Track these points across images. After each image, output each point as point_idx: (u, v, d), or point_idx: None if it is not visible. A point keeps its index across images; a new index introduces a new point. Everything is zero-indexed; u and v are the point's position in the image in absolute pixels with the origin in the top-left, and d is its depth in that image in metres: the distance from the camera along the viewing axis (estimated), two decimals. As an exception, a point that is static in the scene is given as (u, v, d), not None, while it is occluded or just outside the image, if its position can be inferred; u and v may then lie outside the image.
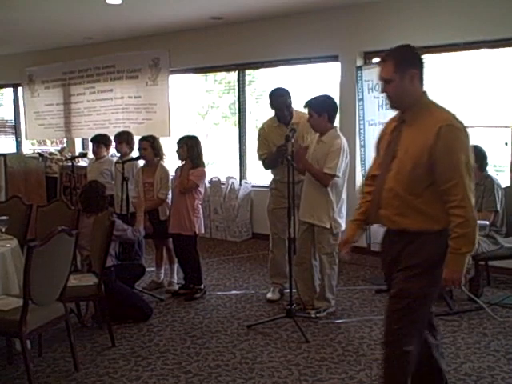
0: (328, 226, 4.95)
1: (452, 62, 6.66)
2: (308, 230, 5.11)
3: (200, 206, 5.75)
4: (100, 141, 6.82)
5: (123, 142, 6.33)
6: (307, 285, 5.21)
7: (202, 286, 5.79)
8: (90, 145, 6.99)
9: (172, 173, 5.97)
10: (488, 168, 5.51)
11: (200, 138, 5.76)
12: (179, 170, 5.75)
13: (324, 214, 4.95)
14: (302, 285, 5.25)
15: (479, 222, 4.95)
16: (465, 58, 6.55)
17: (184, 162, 5.70)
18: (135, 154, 6.20)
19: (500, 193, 5.33)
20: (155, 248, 6.12)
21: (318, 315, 5.06)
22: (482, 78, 6.42)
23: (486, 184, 5.34)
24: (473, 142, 5.45)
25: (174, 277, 5.99)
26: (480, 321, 4.93)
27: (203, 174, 5.70)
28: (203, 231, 5.85)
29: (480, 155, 5.40)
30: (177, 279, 6.01)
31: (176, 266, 5.97)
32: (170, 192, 5.91)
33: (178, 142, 5.69)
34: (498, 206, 5.27)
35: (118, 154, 6.49)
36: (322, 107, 4.95)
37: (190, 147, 5.60)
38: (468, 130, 2.94)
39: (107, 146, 6.93)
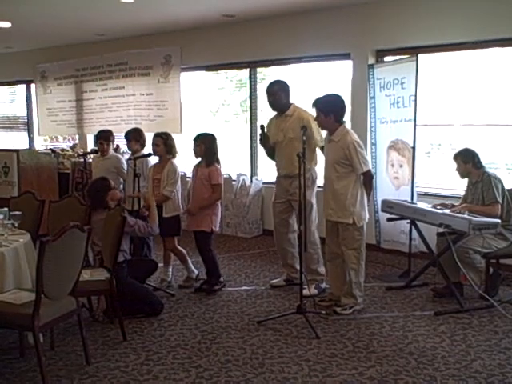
0: (350, 222, 4.96)
1: (464, 61, 6.64)
2: (334, 226, 5.13)
3: (219, 203, 5.78)
4: (109, 138, 6.83)
5: (132, 140, 6.32)
6: (340, 281, 5.22)
7: (221, 279, 5.84)
8: (91, 140, 6.90)
9: (181, 170, 5.97)
10: (498, 166, 5.51)
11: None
12: (195, 168, 5.78)
13: (344, 210, 4.97)
14: (334, 281, 5.30)
15: (490, 220, 5.01)
16: (476, 57, 6.53)
17: (200, 160, 5.73)
18: (147, 150, 6.22)
19: (500, 185, 5.32)
20: (163, 246, 6.10)
21: (343, 312, 5.06)
22: (494, 76, 6.40)
23: (484, 179, 5.35)
24: (466, 144, 5.60)
25: (191, 270, 6.01)
26: (491, 319, 4.91)
27: (219, 172, 5.69)
28: (217, 229, 5.85)
29: (469, 155, 5.45)
30: (171, 276, 6.06)
31: (171, 266, 6.07)
32: (176, 189, 5.87)
33: (195, 140, 5.70)
34: (498, 197, 5.25)
35: (130, 152, 6.52)
36: (328, 108, 4.98)
37: (207, 146, 5.64)
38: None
39: (113, 142, 6.97)
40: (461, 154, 5.50)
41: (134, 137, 6.33)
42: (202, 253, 5.76)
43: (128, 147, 6.51)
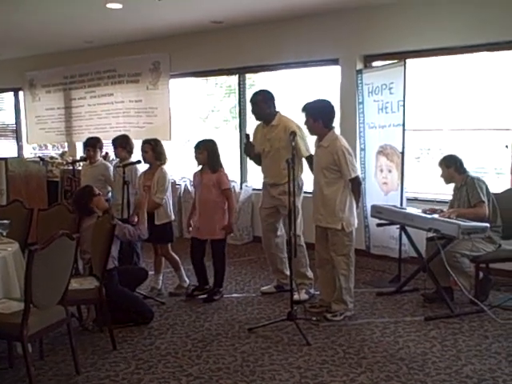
0: (339, 227, 4.96)
1: (452, 65, 6.67)
2: (323, 232, 5.12)
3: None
4: (96, 145, 6.80)
5: (119, 147, 6.31)
6: (330, 287, 5.21)
7: (221, 289, 5.82)
8: (80, 148, 6.87)
9: (171, 177, 5.95)
10: (487, 170, 5.54)
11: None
12: (198, 175, 5.75)
13: (333, 216, 4.97)
14: (324, 287, 5.29)
15: (479, 224, 5.03)
16: (464, 61, 6.56)
17: (201, 167, 5.72)
18: (136, 157, 6.20)
19: (484, 186, 5.35)
20: (154, 253, 6.09)
21: (333, 318, 5.04)
22: (482, 81, 6.43)
23: (468, 182, 5.40)
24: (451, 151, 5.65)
25: (184, 279, 5.97)
26: (481, 323, 4.92)
27: (227, 176, 5.73)
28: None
29: (452, 160, 5.51)
30: (161, 284, 6.03)
31: (161, 274, 6.04)
32: (167, 196, 5.85)
33: (197, 147, 5.69)
34: (483, 197, 5.28)
35: (117, 159, 6.50)
36: (317, 113, 5.00)
37: (209, 151, 5.64)
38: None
39: (101, 149, 6.95)
40: (444, 160, 5.56)
41: (121, 144, 6.32)
42: (217, 260, 5.75)
43: (115, 154, 6.51)
